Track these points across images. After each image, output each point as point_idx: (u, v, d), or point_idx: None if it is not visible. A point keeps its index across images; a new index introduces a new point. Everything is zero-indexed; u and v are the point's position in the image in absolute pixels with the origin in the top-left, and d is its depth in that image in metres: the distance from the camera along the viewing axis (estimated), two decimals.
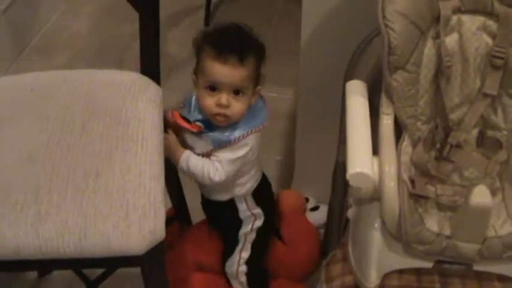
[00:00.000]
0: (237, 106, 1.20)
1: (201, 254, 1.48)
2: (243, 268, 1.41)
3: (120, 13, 2.53)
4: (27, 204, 0.97)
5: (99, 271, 1.49)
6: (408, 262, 1.15)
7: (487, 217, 1.07)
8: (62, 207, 0.97)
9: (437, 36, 1.16)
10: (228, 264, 1.42)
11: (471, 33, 1.19)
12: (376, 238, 1.16)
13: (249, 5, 2.52)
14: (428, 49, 1.17)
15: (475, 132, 1.25)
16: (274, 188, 1.55)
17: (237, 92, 1.19)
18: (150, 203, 1.00)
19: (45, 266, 1.29)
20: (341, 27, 1.39)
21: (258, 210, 1.39)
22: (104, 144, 1.07)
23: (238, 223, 1.39)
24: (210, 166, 1.25)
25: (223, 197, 1.35)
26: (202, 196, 1.42)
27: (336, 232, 1.44)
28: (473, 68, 1.21)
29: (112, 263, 1.17)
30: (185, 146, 1.29)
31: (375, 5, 1.10)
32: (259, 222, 1.40)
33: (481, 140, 1.25)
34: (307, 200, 1.67)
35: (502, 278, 1.18)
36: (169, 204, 1.52)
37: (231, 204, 1.36)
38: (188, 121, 1.25)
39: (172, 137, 1.27)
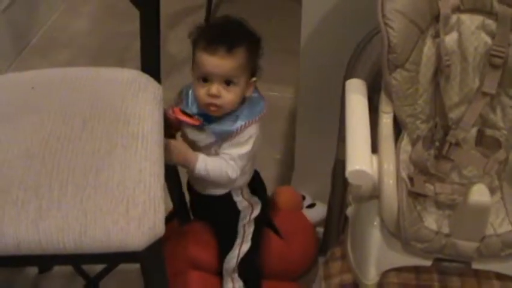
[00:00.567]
0: (228, 96, 1.22)
1: (196, 251, 1.46)
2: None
3: (120, 12, 2.54)
4: (28, 200, 0.98)
5: (99, 268, 1.49)
6: (407, 260, 1.16)
7: (486, 215, 1.07)
8: (62, 203, 0.98)
9: (436, 35, 1.17)
10: (227, 259, 1.42)
11: (470, 32, 1.19)
12: (375, 236, 1.17)
13: (249, 3, 2.53)
14: (428, 48, 1.17)
15: (474, 131, 1.25)
16: (274, 186, 1.56)
17: (228, 82, 1.21)
18: (150, 200, 1.00)
19: (45, 261, 1.30)
20: (341, 26, 1.39)
21: (254, 199, 1.40)
22: (104, 141, 1.07)
23: (237, 215, 1.39)
24: (226, 164, 1.27)
25: (222, 191, 1.35)
26: (193, 192, 1.41)
27: (335, 230, 1.45)
28: (473, 67, 1.21)
29: (112, 259, 1.18)
30: (186, 140, 1.30)
31: (374, 4, 1.11)
32: (257, 211, 1.40)
33: (480, 139, 1.25)
34: (303, 197, 1.68)
35: (500, 276, 1.18)
36: (169, 203, 1.52)
37: (227, 198, 1.36)
38: (189, 115, 1.26)
39: (181, 142, 1.27)
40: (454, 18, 1.18)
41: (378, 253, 1.17)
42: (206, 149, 1.29)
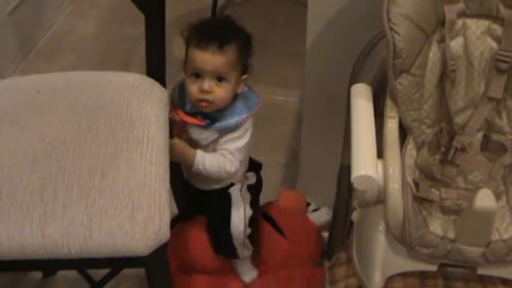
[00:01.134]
0: (219, 92, 1.23)
1: (198, 251, 1.46)
2: (249, 230, 1.39)
3: (126, 15, 2.54)
4: (33, 204, 0.98)
5: (104, 272, 1.49)
6: (412, 265, 1.15)
7: (491, 220, 1.07)
8: (68, 207, 0.98)
9: (442, 39, 1.17)
10: (234, 224, 1.37)
11: (476, 37, 1.19)
12: (380, 241, 1.17)
13: (255, 7, 2.53)
14: (433, 53, 1.17)
15: (479, 135, 1.25)
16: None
17: (220, 78, 1.23)
18: (155, 204, 1.00)
19: (50, 265, 1.30)
20: (346, 31, 1.39)
21: (250, 173, 1.41)
22: (109, 145, 1.07)
23: (230, 186, 1.38)
24: (224, 160, 1.28)
25: (222, 185, 1.36)
26: (189, 188, 1.41)
27: (341, 235, 1.44)
28: (478, 72, 1.21)
29: (117, 264, 1.17)
30: (185, 139, 1.30)
31: (380, 8, 1.11)
32: (251, 181, 1.41)
33: (486, 144, 1.25)
34: (308, 204, 1.67)
35: (505, 282, 1.18)
36: (174, 207, 1.52)
37: (224, 192, 1.37)
38: (193, 116, 1.27)
39: (179, 141, 1.28)
40: (459, 23, 1.18)
41: (383, 258, 1.17)
42: (206, 147, 1.30)
